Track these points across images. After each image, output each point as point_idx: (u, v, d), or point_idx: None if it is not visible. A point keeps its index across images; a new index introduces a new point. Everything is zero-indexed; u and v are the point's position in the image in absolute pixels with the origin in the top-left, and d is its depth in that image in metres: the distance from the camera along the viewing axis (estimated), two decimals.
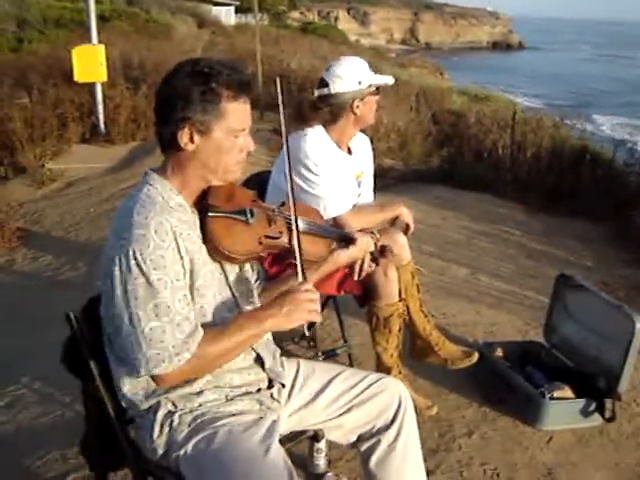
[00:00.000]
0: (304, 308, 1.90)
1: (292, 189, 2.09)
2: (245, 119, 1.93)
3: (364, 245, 2.29)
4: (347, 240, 2.27)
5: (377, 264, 2.46)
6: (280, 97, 2.12)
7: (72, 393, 3.26)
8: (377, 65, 17.40)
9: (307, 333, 1.98)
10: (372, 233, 2.39)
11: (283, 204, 2.15)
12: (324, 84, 3.09)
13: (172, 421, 1.90)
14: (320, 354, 3.38)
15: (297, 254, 2.00)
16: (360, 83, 3.08)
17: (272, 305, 1.93)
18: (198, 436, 1.88)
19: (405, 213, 3.29)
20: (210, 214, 1.91)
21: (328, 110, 3.09)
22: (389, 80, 3.22)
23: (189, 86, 1.84)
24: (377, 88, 3.16)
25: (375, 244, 2.35)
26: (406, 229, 3.29)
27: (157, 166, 1.99)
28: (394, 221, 3.30)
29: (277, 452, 1.83)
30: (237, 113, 1.89)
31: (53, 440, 3.07)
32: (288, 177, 2.12)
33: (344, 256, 2.27)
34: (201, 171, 1.92)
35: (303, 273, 1.99)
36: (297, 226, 2.03)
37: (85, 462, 2.22)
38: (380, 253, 2.39)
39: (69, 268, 5.15)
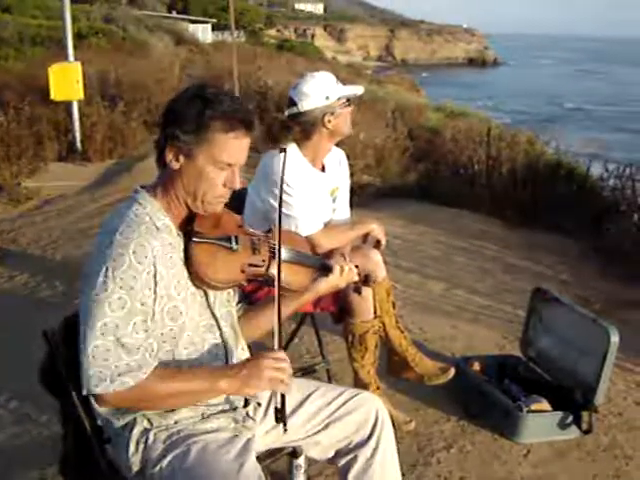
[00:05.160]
0: (264, 375, 1.85)
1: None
2: (234, 154, 1.90)
3: (346, 274, 2.26)
4: (326, 269, 2.26)
5: (359, 293, 2.47)
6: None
7: (49, 412, 3.24)
8: (353, 82, 17.45)
9: (278, 405, 1.87)
10: (342, 255, 2.38)
11: (269, 231, 2.15)
12: (292, 103, 3.07)
13: (147, 439, 1.89)
14: (298, 371, 3.37)
15: (276, 321, 1.96)
16: (327, 98, 3.04)
17: (234, 366, 1.93)
18: (172, 453, 1.87)
19: (376, 229, 3.28)
20: (194, 239, 1.92)
21: (299, 129, 3.08)
22: (358, 90, 3.21)
23: (187, 107, 1.86)
24: (348, 99, 3.14)
25: (359, 274, 2.33)
26: (377, 245, 3.29)
27: (146, 184, 1.99)
28: (366, 237, 3.30)
29: (251, 470, 1.82)
30: (226, 146, 1.87)
31: (30, 460, 3.04)
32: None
33: (324, 284, 2.24)
34: (183, 195, 1.92)
35: (280, 341, 1.94)
36: (279, 298, 1.99)
37: None
38: (363, 282, 2.37)
39: (46, 287, 5.11)
